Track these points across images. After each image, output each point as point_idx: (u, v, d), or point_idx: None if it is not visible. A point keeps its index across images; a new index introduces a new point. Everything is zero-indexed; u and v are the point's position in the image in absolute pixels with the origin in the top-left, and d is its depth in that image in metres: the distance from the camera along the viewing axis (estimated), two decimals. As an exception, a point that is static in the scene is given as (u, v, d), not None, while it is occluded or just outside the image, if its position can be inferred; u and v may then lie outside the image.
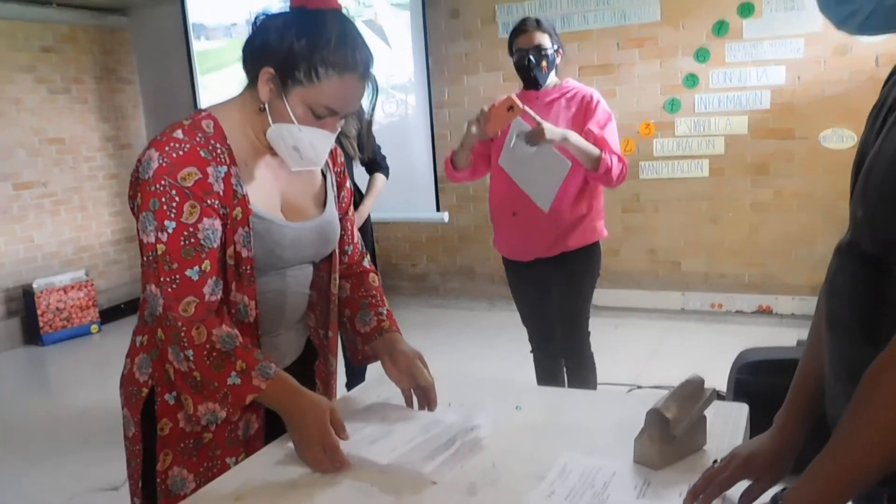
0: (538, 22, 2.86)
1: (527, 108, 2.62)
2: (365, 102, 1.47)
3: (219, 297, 1.37)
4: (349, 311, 1.68)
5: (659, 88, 5.10)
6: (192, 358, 1.32)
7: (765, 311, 5.09)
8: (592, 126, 2.77)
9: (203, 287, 1.33)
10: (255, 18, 1.41)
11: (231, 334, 1.35)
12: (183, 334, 1.32)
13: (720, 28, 4.86)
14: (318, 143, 1.39)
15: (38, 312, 5.54)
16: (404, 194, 4.90)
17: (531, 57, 2.80)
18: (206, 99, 5.90)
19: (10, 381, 4.99)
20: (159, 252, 1.31)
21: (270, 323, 1.51)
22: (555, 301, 2.99)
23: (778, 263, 5.04)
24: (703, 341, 4.76)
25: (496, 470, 1.28)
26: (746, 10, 4.78)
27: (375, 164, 3.54)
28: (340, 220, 1.64)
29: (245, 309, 1.42)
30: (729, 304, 5.19)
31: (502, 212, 2.96)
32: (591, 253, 2.93)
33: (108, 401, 4.22)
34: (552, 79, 2.88)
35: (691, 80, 5.00)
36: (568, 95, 2.86)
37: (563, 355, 3.06)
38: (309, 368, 1.66)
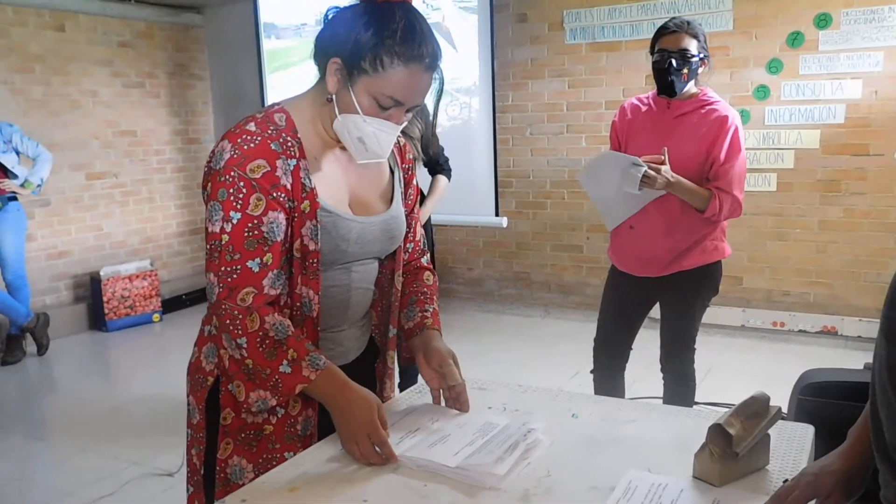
0: (688, 24, 2.64)
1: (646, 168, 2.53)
2: (429, 101, 1.47)
3: (279, 291, 1.39)
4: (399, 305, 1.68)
5: (728, 99, 4.92)
6: (244, 346, 1.34)
7: (829, 332, 4.93)
8: (720, 153, 2.61)
9: (263, 279, 1.35)
10: (327, 12, 1.43)
11: (284, 323, 1.36)
12: (238, 322, 1.33)
13: (795, 39, 4.73)
14: (382, 136, 1.39)
15: (104, 299, 5.72)
16: (464, 198, 4.90)
17: (673, 61, 2.59)
18: (273, 97, 6.00)
19: (74, 365, 5.15)
20: (223, 242, 1.33)
21: (334, 318, 1.52)
22: (664, 320, 2.90)
23: (845, 284, 4.87)
24: (763, 359, 4.64)
25: (551, 478, 1.26)
26: (823, 22, 4.64)
27: (438, 165, 3.54)
28: (406, 216, 1.64)
29: (309, 303, 1.43)
30: (792, 322, 5.04)
31: (621, 224, 2.84)
32: (709, 272, 2.78)
33: (166, 389, 4.35)
34: (690, 88, 2.69)
35: (762, 92, 4.88)
36: (702, 111, 2.66)
37: (664, 371, 2.95)
38: (370, 366, 1.67)
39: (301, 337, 1.39)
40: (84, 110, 5.86)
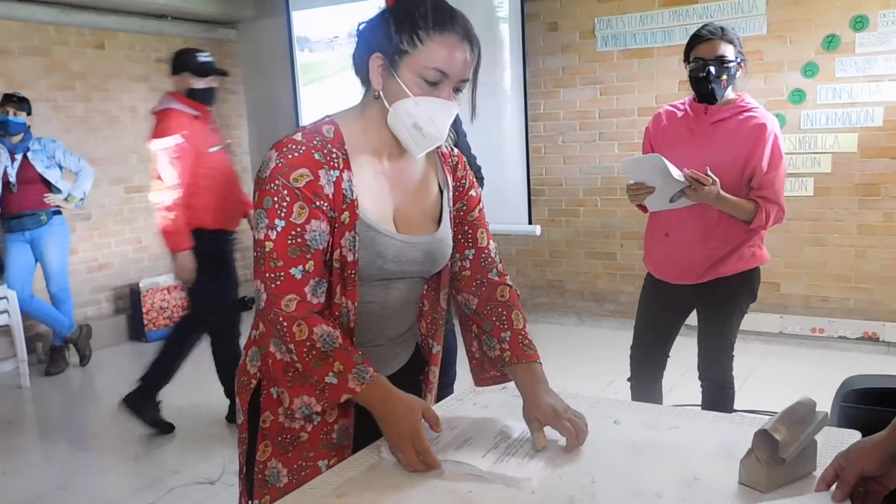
0: (723, 30, 2.62)
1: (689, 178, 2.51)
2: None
3: (322, 300, 1.41)
4: (476, 328, 1.65)
5: (763, 104, 4.93)
6: (294, 351, 1.36)
7: (870, 338, 4.85)
8: (761, 162, 2.58)
9: (305, 286, 1.37)
10: (357, 27, 1.47)
11: (332, 334, 1.38)
12: (285, 329, 1.35)
13: (830, 42, 4.69)
14: (436, 116, 1.40)
15: (144, 310, 5.82)
16: (497, 206, 4.84)
17: (711, 68, 2.57)
18: (306, 110, 6.08)
19: (115, 375, 5.23)
20: (267, 249, 1.36)
21: (371, 333, 1.52)
22: (701, 327, 2.87)
23: (886, 290, 4.79)
24: (802, 366, 4.58)
25: (595, 485, 1.27)
26: (860, 24, 4.59)
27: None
28: (461, 224, 1.63)
29: (348, 314, 1.45)
30: (831, 329, 4.97)
31: (655, 231, 2.85)
32: (747, 278, 2.75)
33: (205, 399, 4.40)
34: (728, 93, 2.67)
35: (798, 96, 4.84)
36: (740, 117, 2.64)
37: (702, 378, 2.91)
38: (417, 377, 1.66)
39: (349, 349, 1.39)
40: (123, 126, 5.98)
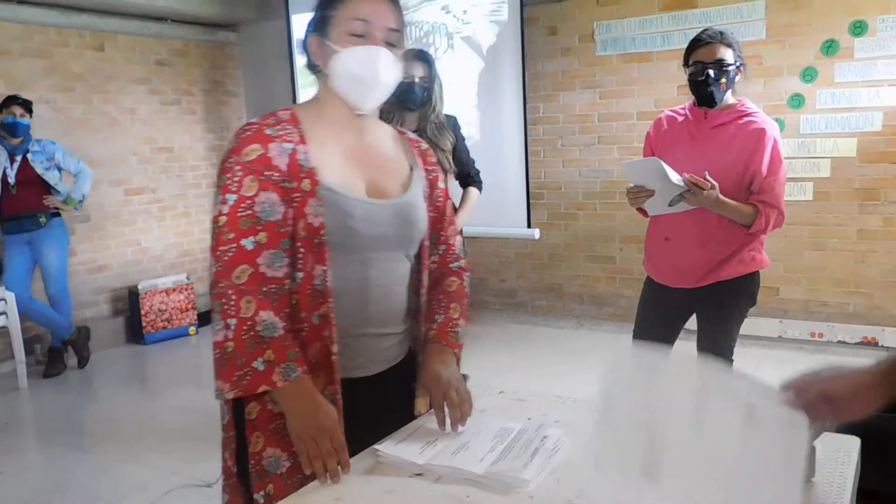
0: (722, 34, 2.64)
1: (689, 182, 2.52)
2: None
3: (278, 274, 1.41)
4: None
5: (762, 109, 4.93)
6: (232, 327, 1.36)
7: (870, 343, 4.85)
8: (761, 167, 2.59)
9: (257, 257, 1.39)
10: None
11: (276, 324, 1.38)
12: (233, 303, 1.36)
13: (829, 47, 4.69)
14: (366, 61, 1.46)
15: (142, 313, 5.81)
16: (496, 209, 4.91)
17: (710, 72, 2.59)
18: (306, 112, 6.07)
19: (113, 377, 5.24)
20: (220, 224, 1.39)
21: (352, 317, 1.50)
22: (701, 331, 2.86)
23: (886, 294, 4.79)
24: (801, 371, 4.56)
25: (593, 489, 1.26)
26: (859, 29, 4.59)
27: (469, 177, 3.56)
28: (438, 220, 1.66)
29: (322, 279, 1.44)
30: (830, 334, 4.97)
31: (655, 234, 2.85)
32: (746, 282, 2.75)
33: (203, 401, 4.40)
34: (728, 98, 2.70)
35: (797, 101, 4.84)
36: (740, 122, 2.65)
37: None
38: (409, 382, 1.62)
39: (287, 343, 1.39)
40: (123, 127, 5.98)
